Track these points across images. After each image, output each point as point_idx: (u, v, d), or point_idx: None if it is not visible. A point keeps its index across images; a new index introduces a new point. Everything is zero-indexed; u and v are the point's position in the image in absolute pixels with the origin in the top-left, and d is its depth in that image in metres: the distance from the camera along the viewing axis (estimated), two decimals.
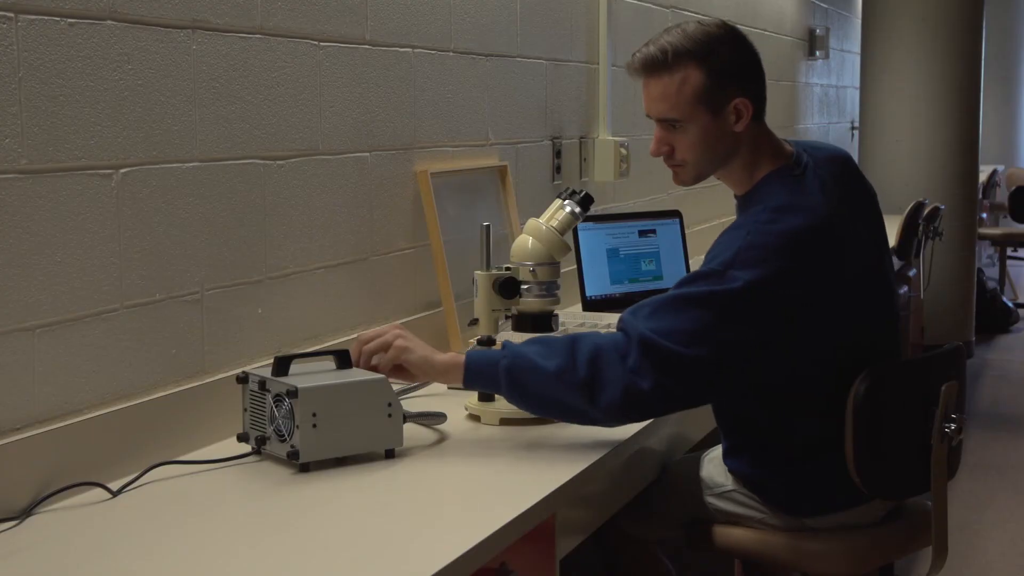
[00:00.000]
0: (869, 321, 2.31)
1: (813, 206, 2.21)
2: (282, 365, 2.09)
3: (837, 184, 2.29)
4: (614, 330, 2.20)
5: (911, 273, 5.47)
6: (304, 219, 2.48)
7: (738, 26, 2.31)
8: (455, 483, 2.00)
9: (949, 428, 2.33)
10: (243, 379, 2.14)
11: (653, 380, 2.10)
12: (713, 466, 2.49)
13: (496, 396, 2.37)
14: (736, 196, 2.37)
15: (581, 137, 3.83)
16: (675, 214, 3.45)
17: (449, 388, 2.49)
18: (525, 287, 2.37)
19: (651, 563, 2.68)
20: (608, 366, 2.11)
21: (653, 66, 2.23)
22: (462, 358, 2.19)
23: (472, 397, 2.39)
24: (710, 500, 2.46)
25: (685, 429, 2.70)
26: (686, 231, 3.44)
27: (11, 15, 1.79)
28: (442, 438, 2.24)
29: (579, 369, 2.11)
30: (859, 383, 2.23)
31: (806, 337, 2.19)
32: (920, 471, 2.34)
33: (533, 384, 2.13)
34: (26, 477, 1.83)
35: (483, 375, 2.18)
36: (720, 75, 2.22)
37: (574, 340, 2.16)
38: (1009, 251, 9.70)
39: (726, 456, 2.44)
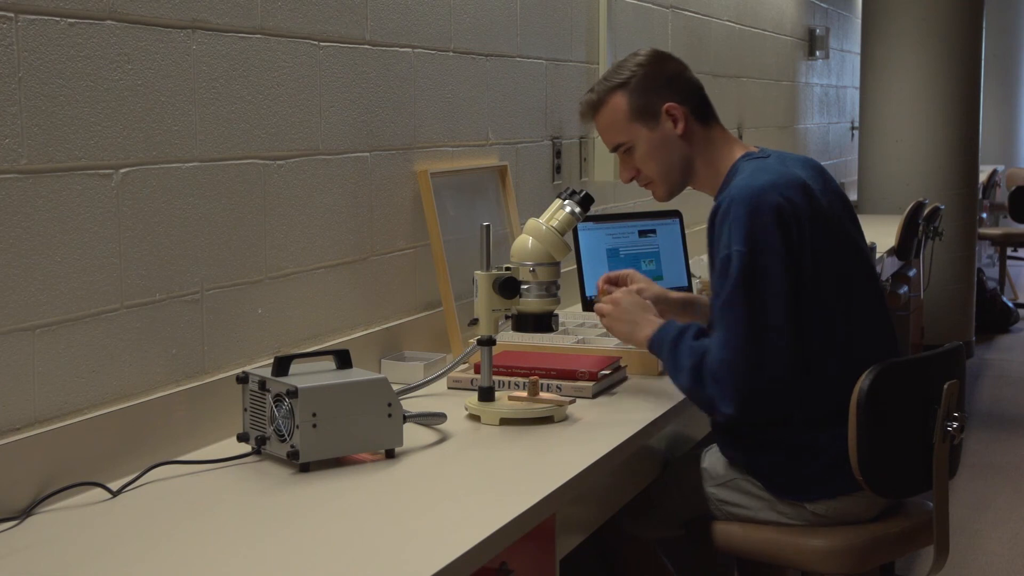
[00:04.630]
0: (855, 302, 2.36)
1: (783, 171, 2.35)
2: (282, 365, 2.09)
3: (806, 169, 2.42)
4: None
5: (911, 273, 5.47)
6: (304, 219, 2.48)
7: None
8: (455, 483, 2.00)
9: (951, 426, 2.33)
10: (243, 379, 2.14)
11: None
12: (716, 457, 2.49)
13: (496, 396, 2.37)
14: (714, 199, 2.43)
15: (581, 137, 3.83)
16: (675, 214, 3.44)
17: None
18: (525, 287, 2.37)
19: (651, 563, 2.68)
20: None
21: (590, 107, 2.52)
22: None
23: (472, 397, 2.39)
24: (712, 491, 2.46)
25: (686, 428, 2.70)
26: (686, 231, 3.44)
27: (11, 15, 1.79)
28: (442, 438, 2.24)
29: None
30: (862, 381, 2.24)
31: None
32: (922, 470, 2.34)
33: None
34: (26, 477, 1.83)
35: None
36: (642, 91, 2.46)
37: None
38: (1009, 251, 9.71)
39: (725, 448, 2.45)
